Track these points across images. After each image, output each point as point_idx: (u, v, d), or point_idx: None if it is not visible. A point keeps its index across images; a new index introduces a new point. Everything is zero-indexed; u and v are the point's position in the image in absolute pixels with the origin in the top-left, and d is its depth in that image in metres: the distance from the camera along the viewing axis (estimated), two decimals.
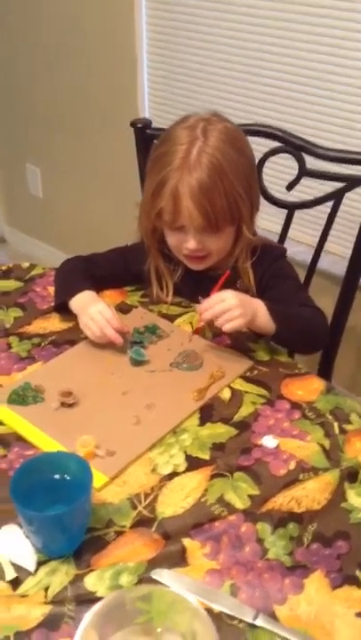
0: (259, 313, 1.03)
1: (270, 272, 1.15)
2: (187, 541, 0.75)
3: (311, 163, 1.26)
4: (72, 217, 2.60)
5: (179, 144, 1.02)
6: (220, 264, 1.14)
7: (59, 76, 2.31)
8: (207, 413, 0.94)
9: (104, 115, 2.22)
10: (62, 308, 1.14)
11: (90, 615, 0.54)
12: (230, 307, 0.99)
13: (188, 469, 0.85)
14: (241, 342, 1.09)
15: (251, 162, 1.09)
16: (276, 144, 1.27)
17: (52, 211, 2.68)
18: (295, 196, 1.33)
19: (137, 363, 1.03)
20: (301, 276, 1.38)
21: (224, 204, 1.02)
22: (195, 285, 1.16)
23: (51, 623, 0.66)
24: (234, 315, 0.99)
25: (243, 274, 1.15)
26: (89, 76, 2.20)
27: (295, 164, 1.26)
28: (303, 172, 1.26)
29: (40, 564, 0.72)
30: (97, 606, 0.55)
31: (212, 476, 0.84)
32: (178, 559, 0.73)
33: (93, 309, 1.05)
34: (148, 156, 1.14)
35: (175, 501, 0.80)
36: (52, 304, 1.18)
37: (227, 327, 0.99)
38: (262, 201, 1.29)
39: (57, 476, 0.77)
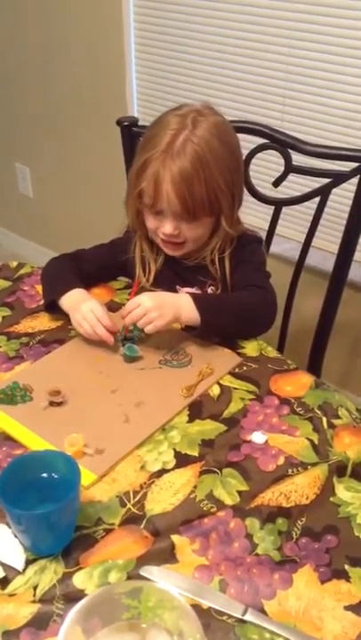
0: (183, 309, 1.04)
1: (240, 257, 1.16)
2: (176, 538, 0.75)
3: (297, 159, 1.27)
4: (62, 216, 2.60)
5: (168, 129, 1.04)
6: (198, 253, 1.16)
7: (47, 75, 2.30)
8: (196, 410, 0.94)
9: (93, 113, 2.22)
10: (52, 307, 1.14)
11: (74, 612, 0.54)
12: (147, 310, 1.01)
13: (178, 466, 0.85)
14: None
15: (236, 157, 1.10)
16: (262, 141, 1.27)
17: (43, 210, 2.67)
18: (282, 192, 1.34)
19: (131, 359, 1.03)
20: (290, 272, 1.38)
21: (203, 194, 1.04)
22: (174, 274, 1.19)
23: (39, 622, 0.66)
24: (152, 317, 1.01)
25: (219, 265, 1.15)
26: (77, 75, 2.20)
27: (282, 161, 1.26)
28: (290, 168, 1.27)
29: (28, 562, 0.72)
30: (81, 603, 0.55)
31: (202, 473, 0.84)
32: (167, 556, 0.73)
33: (85, 307, 1.05)
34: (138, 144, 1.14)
35: (164, 498, 0.80)
36: (41, 303, 1.18)
37: (148, 329, 1.02)
38: (249, 198, 1.29)
39: (45, 475, 0.76)
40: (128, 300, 1.06)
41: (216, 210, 1.08)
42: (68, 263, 1.20)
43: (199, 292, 1.18)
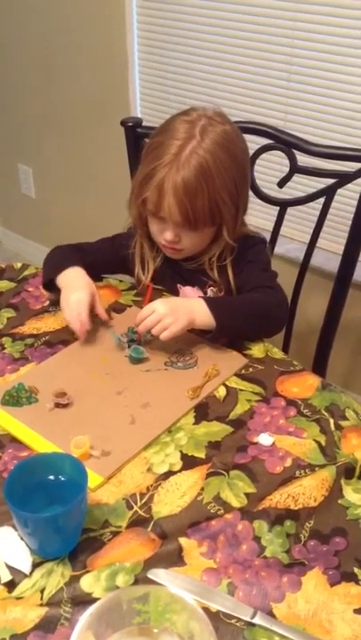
0: (197, 313, 1.03)
1: (244, 259, 1.16)
2: (183, 540, 0.75)
3: (302, 160, 1.26)
4: (64, 217, 2.59)
5: (175, 138, 1.03)
6: (197, 258, 1.16)
7: (50, 76, 2.30)
8: (202, 412, 0.94)
9: (96, 114, 2.21)
10: (51, 288, 1.15)
11: (86, 616, 0.54)
12: (161, 316, 1.01)
13: (184, 468, 0.84)
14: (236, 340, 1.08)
15: (243, 168, 1.09)
16: (267, 141, 1.27)
17: (45, 211, 2.67)
18: (287, 193, 1.33)
19: (137, 361, 1.03)
20: (295, 273, 1.38)
21: (205, 206, 1.03)
22: (175, 273, 1.20)
23: (47, 625, 0.66)
24: (167, 323, 1.01)
25: (220, 271, 1.15)
26: (80, 76, 2.19)
27: (286, 161, 1.26)
28: (294, 168, 1.26)
29: (35, 565, 0.72)
30: (93, 607, 0.55)
31: (208, 475, 0.83)
32: (175, 558, 0.73)
33: (74, 297, 1.07)
34: (143, 147, 1.14)
35: (171, 500, 0.80)
36: (46, 304, 1.18)
37: (163, 335, 1.01)
38: (254, 199, 1.29)
39: (51, 477, 0.76)
40: (142, 305, 1.06)
41: (218, 221, 1.08)
42: (71, 249, 1.21)
43: (200, 291, 1.18)
